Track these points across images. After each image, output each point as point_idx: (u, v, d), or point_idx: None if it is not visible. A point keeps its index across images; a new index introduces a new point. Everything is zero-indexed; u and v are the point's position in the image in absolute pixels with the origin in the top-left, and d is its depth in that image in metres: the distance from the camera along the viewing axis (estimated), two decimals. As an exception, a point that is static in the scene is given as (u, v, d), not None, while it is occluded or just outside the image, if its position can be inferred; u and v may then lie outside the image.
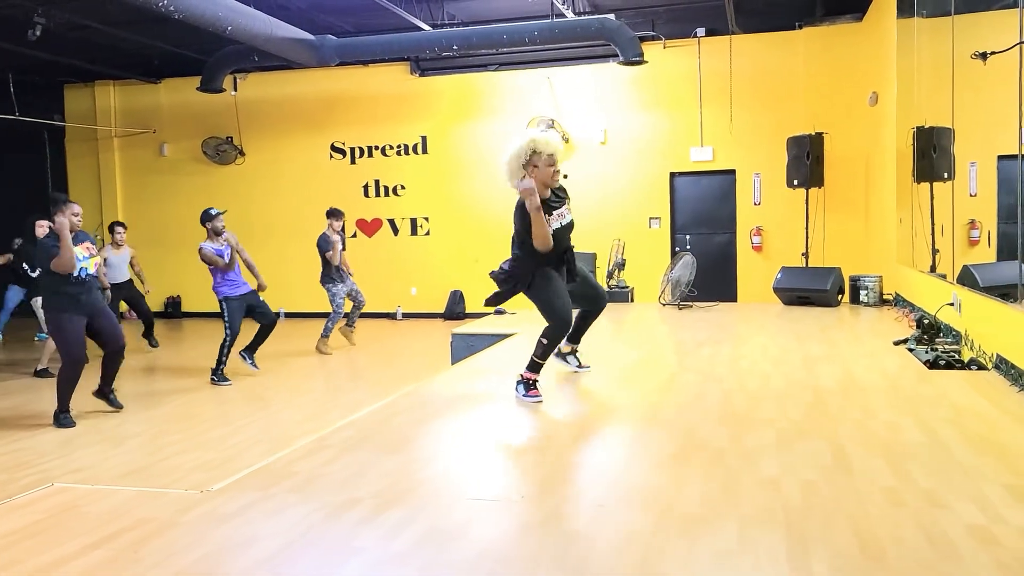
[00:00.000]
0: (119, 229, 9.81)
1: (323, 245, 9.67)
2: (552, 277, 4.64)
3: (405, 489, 3.08)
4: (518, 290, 4.75)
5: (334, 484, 3.14)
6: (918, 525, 2.58)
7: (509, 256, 4.78)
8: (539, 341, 4.61)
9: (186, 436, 5.92)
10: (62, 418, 6.31)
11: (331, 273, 9.74)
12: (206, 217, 8.26)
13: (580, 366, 5.26)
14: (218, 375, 8.00)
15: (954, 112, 6.17)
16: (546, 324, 4.65)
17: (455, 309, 12.76)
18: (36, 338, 11.24)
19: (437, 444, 3.93)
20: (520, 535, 2.66)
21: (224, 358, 8.04)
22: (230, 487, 3.12)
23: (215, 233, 8.22)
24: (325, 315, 9.89)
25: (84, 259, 6.25)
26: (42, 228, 8.98)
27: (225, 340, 8.03)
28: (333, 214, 9.89)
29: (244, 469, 3.40)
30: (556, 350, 5.09)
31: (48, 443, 5.80)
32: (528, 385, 4.59)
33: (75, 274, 6.17)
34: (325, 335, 9.77)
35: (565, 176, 4.57)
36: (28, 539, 2.68)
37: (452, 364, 6.67)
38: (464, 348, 6.91)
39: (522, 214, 4.59)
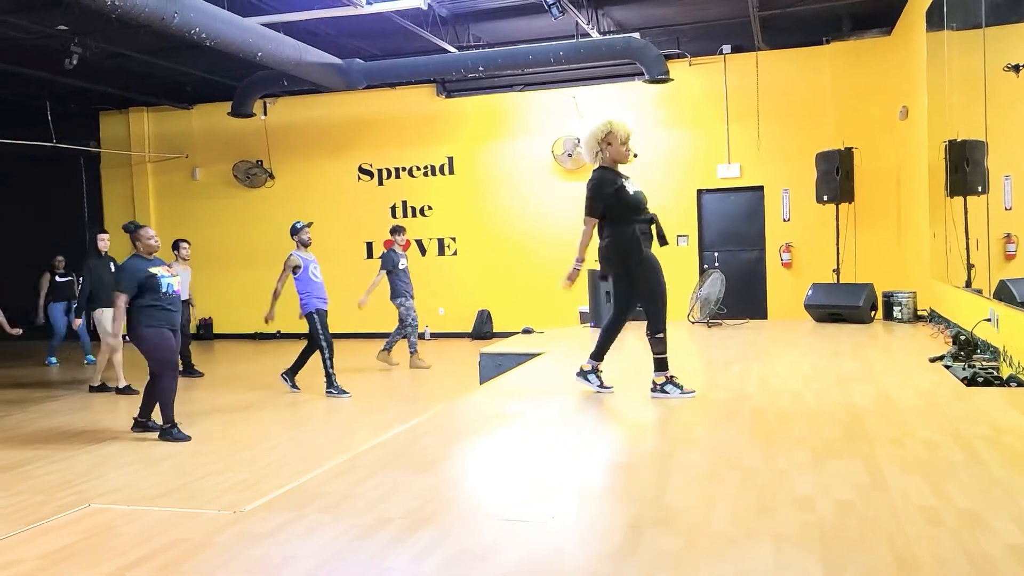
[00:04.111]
0: (184, 245, 9.96)
1: (386, 262, 9.88)
2: (654, 267, 4.96)
3: (435, 510, 3.08)
4: (621, 271, 4.97)
5: (365, 504, 3.15)
6: (958, 545, 2.53)
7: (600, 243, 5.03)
8: (653, 338, 4.92)
9: (218, 456, 5.97)
10: (175, 432, 6.45)
11: (399, 289, 9.86)
12: (293, 231, 8.56)
13: (602, 387, 5.16)
14: (335, 388, 8.24)
15: (987, 125, 6.09)
16: (648, 327, 4.95)
17: (483, 329, 12.77)
18: (86, 361, 11.40)
19: (466, 464, 3.93)
20: (551, 556, 2.64)
21: (331, 371, 8.28)
22: (263, 507, 3.14)
23: (303, 244, 8.49)
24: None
25: (168, 276, 6.53)
26: (103, 242, 9.16)
27: (324, 353, 8.24)
28: (396, 231, 10.08)
29: (276, 489, 3.42)
30: (579, 369, 5.16)
31: (85, 463, 5.88)
32: (675, 383, 4.92)
33: (163, 290, 6.43)
34: (413, 351, 9.95)
35: (636, 156, 4.86)
36: (66, 559, 2.72)
37: (480, 384, 6.67)
38: (492, 367, 6.92)
39: (594, 192, 4.90)
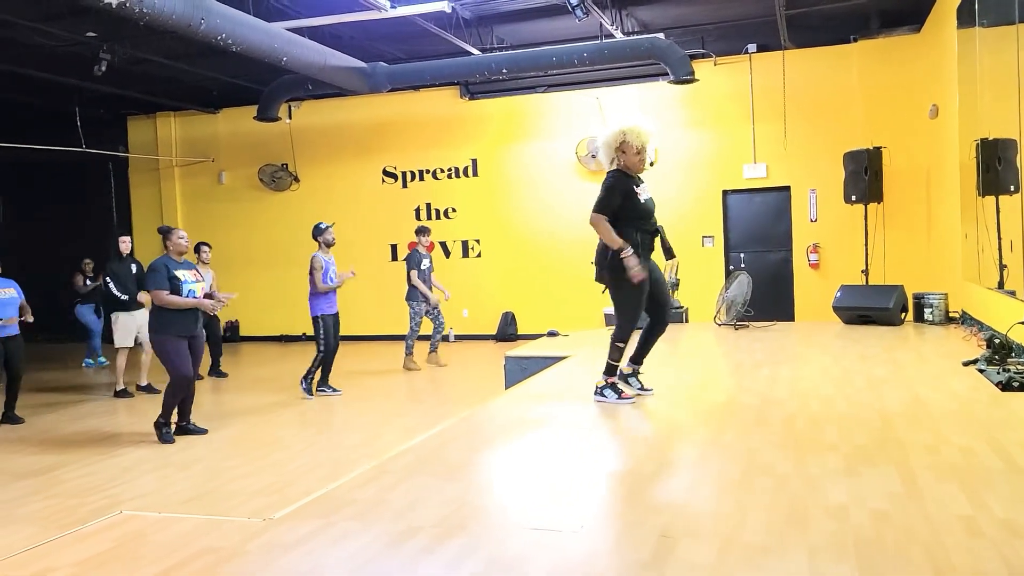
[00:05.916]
0: (205, 248, 10.07)
1: (411, 262, 9.96)
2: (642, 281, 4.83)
3: (464, 518, 3.07)
4: (608, 273, 4.90)
5: (394, 512, 3.14)
6: (999, 556, 2.47)
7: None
8: (612, 344, 4.93)
9: (246, 460, 6.01)
10: (164, 432, 6.61)
11: (412, 291, 9.92)
12: (317, 231, 8.60)
13: (643, 389, 5.18)
14: (306, 384, 8.36)
15: (1020, 123, 5.98)
16: (614, 332, 4.96)
17: (507, 331, 12.76)
18: (95, 363, 11.53)
19: (495, 471, 3.91)
20: (582, 566, 2.62)
21: (313, 372, 8.39)
22: (292, 515, 3.15)
23: (327, 245, 8.54)
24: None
25: (192, 282, 6.63)
26: (125, 244, 9.27)
27: (318, 356, 8.35)
28: (421, 231, 10.12)
29: (304, 494, 3.43)
30: (618, 371, 5.10)
31: (116, 467, 5.94)
32: (615, 389, 4.96)
33: (184, 296, 6.50)
34: (408, 352, 9.99)
35: (652, 164, 4.84)
36: (99, 567, 2.74)
37: (506, 387, 6.65)
38: (518, 371, 6.89)
39: (608, 192, 4.84)
